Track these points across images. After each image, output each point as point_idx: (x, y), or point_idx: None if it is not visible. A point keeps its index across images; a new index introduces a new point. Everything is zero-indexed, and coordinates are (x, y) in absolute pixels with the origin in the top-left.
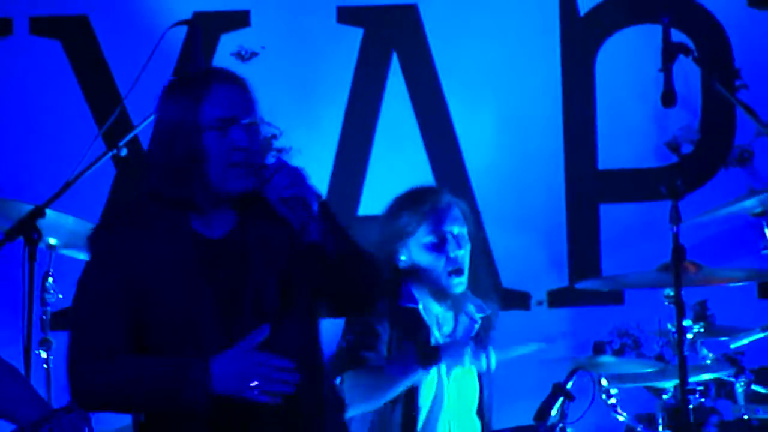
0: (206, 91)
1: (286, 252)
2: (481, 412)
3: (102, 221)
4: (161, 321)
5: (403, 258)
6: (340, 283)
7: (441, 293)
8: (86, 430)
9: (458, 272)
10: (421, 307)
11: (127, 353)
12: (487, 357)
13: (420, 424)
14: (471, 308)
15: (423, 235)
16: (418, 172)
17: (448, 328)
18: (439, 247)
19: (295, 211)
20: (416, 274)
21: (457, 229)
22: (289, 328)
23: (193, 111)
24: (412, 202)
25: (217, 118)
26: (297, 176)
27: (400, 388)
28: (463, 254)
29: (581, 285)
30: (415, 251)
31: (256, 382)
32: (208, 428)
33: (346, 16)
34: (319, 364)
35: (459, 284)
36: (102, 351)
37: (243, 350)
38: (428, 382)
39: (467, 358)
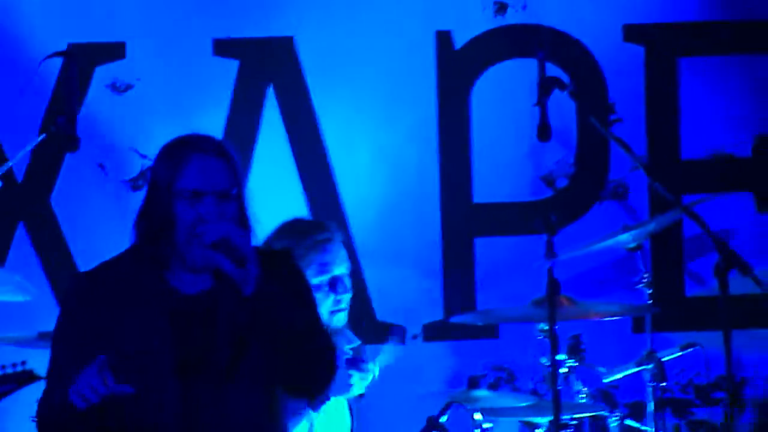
0: (184, 160)
1: (247, 317)
2: None
3: (76, 273)
4: (125, 370)
5: None
6: (289, 364)
7: None
8: None
9: (341, 311)
10: None
11: None
12: (371, 371)
13: None
14: (342, 341)
15: (310, 276)
16: (294, 204)
17: None
18: (327, 290)
19: (226, 256)
20: None
21: (344, 269)
22: (240, 394)
23: (169, 178)
24: (297, 239)
25: (188, 189)
26: (223, 224)
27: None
28: (349, 295)
29: (456, 319)
30: None
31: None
32: None
33: (221, 48)
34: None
35: (339, 321)
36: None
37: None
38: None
39: (356, 383)
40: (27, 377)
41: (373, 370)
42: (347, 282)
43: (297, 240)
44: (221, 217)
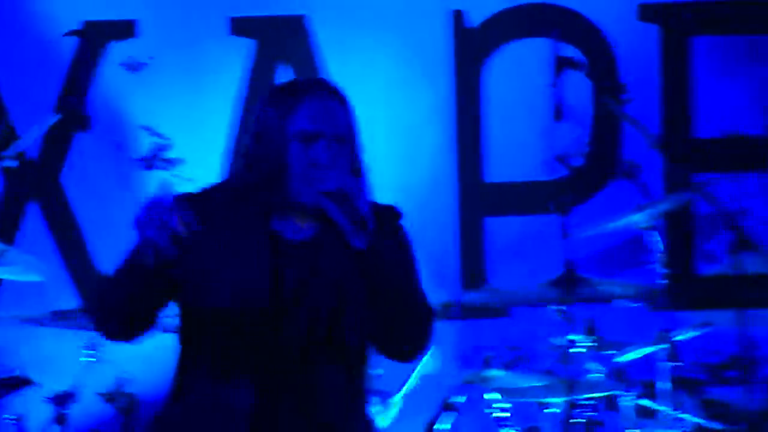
0: (298, 101)
1: (351, 271)
2: None
3: (178, 197)
4: (214, 306)
5: None
6: (386, 323)
7: None
8: None
9: None
10: None
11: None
12: (392, 405)
13: None
14: None
15: None
16: None
17: None
18: None
19: (341, 209)
20: None
21: None
22: (336, 349)
23: (282, 120)
24: None
25: (302, 131)
26: (343, 174)
27: None
28: None
29: (468, 298)
30: None
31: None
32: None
33: (238, 27)
34: (358, 396)
35: None
36: None
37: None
38: None
39: (376, 413)
40: (19, 383)
41: (396, 404)
42: None
43: None
44: (334, 161)
